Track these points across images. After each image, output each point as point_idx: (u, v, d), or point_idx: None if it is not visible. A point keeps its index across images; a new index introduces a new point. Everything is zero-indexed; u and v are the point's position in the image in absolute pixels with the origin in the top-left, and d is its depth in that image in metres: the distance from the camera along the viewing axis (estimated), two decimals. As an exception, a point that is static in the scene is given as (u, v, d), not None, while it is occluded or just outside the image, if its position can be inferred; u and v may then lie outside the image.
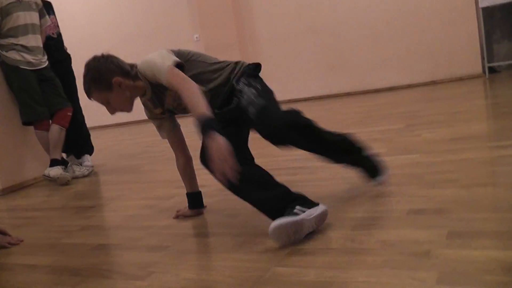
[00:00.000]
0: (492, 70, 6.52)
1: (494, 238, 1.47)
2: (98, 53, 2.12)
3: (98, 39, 9.07)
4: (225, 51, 7.53)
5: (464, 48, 6.57)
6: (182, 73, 1.87)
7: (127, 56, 9.49)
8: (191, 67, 2.04)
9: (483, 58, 6.45)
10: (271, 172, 1.92)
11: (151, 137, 5.95)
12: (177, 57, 1.99)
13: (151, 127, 7.37)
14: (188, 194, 2.33)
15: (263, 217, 1.87)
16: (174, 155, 2.30)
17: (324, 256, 1.55)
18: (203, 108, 1.71)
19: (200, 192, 2.34)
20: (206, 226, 2.16)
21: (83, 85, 2.08)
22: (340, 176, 2.53)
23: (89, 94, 2.09)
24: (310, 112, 5.71)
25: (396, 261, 1.42)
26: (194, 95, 1.76)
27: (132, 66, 2.11)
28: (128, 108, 2.12)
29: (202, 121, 1.67)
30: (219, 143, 1.60)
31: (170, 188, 3.00)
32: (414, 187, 2.14)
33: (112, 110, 2.12)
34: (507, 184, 1.97)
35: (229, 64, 2.10)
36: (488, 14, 6.44)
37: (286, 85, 7.51)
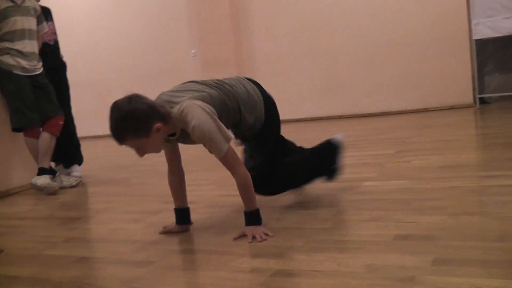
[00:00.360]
0: (482, 101, 6.59)
1: (479, 266, 1.47)
2: (125, 94, 1.98)
3: (96, 48, 9.09)
4: (222, 68, 7.57)
5: (457, 78, 6.66)
6: (235, 154, 2.05)
7: (124, 66, 9.55)
8: (227, 121, 2.19)
9: (474, 89, 6.53)
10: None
11: (141, 150, 5.92)
12: (220, 108, 2.10)
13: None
14: (176, 210, 2.31)
15: (250, 236, 1.89)
16: (164, 169, 2.29)
17: (309, 278, 1.55)
18: (254, 202, 2.09)
19: (188, 208, 2.32)
20: (192, 242, 2.15)
21: (113, 130, 1.94)
22: (327, 200, 2.53)
23: (121, 141, 1.96)
24: (303, 134, 5.73)
25: (381, 286, 1.42)
26: (248, 188, 2.07)
27: (162, 106, 2.03)
28: (159, 149, 2.09)
29: (253, 214, 2.08)
30: (261, 229, 2.04)
31: (158, 202, 2.98)
32: (402, 212, 2.15)
33: (142, 154, 2.03)
34: (494, 214, 1.98)
35: (237, 104, 2.24)
36: (481, 46, 6.53)
37: (280, 105, 7.41)
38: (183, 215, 2.31)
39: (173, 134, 2.12)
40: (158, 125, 1.96)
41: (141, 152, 2.02)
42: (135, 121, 1.92)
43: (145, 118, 1.94)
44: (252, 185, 2.08)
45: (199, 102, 2.02)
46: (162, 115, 1.99)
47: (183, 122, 2.01)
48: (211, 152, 2.04)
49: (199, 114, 1.98)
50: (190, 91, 2.11)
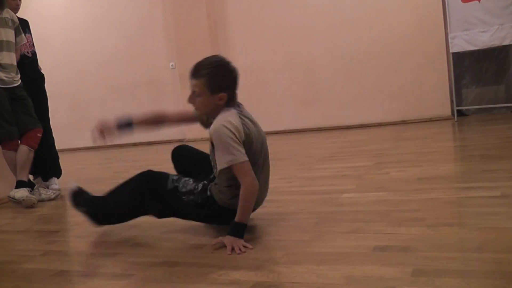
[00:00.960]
0: (460, 113, 6.69)
1: (457, 277, 1.49)
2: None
3: (73, 61, 9.04)
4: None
5: (435, 90, 6.76)
6: (246, 168, 2.07)
7: (102, 78, 9.46)
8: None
9: (452, 101, 6.63)
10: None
11: (121, 162, 5.89)
12: (245, 141, 2.12)
13: (122, 153, 7.29)
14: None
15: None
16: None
17: (289, 290, 1.55)
18: (247, 216, 2.09)
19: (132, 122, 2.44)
20: (171, 255, 2.13)
21: (199, 66, 2.13)
22: (306, 212, 2.54)
23: (196, 76, 2.13)
24: (282, 146, 5.75)
25: (361, 298, 1.42)
26: (249, 199, 2.08)
27: (236, 93, 2.22)
28: (203, 112, 2.25)
29: (239, 227, 2.06)
30: (241, 242, 2.03)
31: (137, 215, 2.95)
32: (381, 224, 2.16)
33: (191, 101, 2.20)
34: (472, 225, 2.00)
35: None
36: (458, 59, 6.65)
37: (259, 117, 7.46)
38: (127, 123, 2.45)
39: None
40: (223, 95, 2.14)
41: (193, 99, 2.19)
42: (220, 76, 2.13)
43: (225, 83, 2.14)
44: (255, 199, 2.11)
45: (237, 123, 2.10)
46: (233, 95, 2.19)
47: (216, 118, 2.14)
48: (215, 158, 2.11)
49: (224, 125, 2.07)
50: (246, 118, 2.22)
